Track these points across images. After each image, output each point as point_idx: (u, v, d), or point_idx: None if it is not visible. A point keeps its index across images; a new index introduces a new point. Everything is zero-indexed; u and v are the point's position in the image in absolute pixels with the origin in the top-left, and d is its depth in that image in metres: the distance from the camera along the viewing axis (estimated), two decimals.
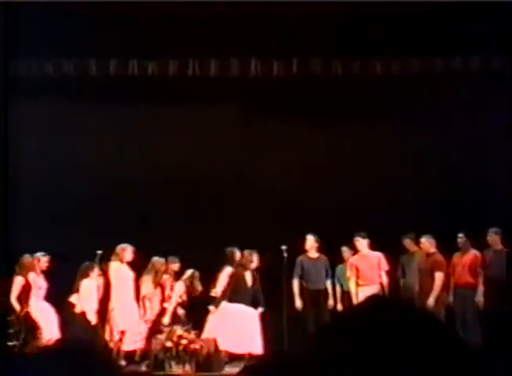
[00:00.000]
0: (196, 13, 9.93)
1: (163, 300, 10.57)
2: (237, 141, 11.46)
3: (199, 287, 10.55)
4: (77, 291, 10.19)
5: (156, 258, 10.52)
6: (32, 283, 10.13)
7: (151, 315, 10.45)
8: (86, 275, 10.23)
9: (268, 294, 10.27)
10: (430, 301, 9.89)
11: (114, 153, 11.33)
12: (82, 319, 10.08)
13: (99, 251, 10.06)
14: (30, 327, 9.88)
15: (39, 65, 10.76)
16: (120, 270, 10.27)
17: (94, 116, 11.23)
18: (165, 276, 10.57)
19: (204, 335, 9.99)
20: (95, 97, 11.09)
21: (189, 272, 10.58)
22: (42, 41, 10.26)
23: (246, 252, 10.34)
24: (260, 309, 10.24)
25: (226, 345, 10.01)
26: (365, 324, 1.25)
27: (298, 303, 10.56)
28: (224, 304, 10.21)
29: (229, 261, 10.49)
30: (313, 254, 10.69)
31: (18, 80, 10.46)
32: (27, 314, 9.97)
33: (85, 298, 10.15)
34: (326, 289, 10.65)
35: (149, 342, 10.11)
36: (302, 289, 10.60)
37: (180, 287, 10.55)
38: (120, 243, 10.23)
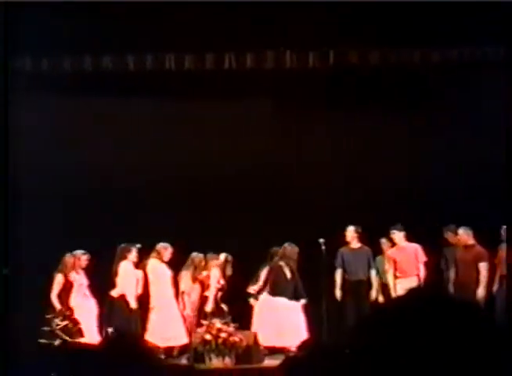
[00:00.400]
0: (231, 6, 9.91)
1: (202, 295, 10.58)
2: (273, 134, 11.44)
3: (229, 272, 10.55)
4: (116, 273, 10.25)
5: (195, 254, 10.58)
6: (73, 281, 10.17)
7: (190, 310, 10.48)
8: (124, 257, 10.29)
9: (307, 287, 10.32)
10: (480, 292, 9.82)
11: (142, 150, 11.32)
12: (122, 304, 10.15)
13: (138, 245, 10.19)
14: (72, 325, 9.93)
15: (39, 62, 10.78)
16: (158, 268, 10.34)
17: (139, 111, 11.28)
18: (204, 273, 10.58)
19: (253, 330, 10.08)
20: (128, 93, 11.14)
21: (222, 256, 10.59)
22: (42, 39, 10.24)
23: (286, 245, 10.35)
24: (302, 301, 10.26)
25: (269, 340, 10.08)
26: (406, 317, 1.24)
27: (338, 294, 10.53)
28: (266, 297, 10.26)
29: (270, 257, 10.55)
30: (354, 244, 10.64)
31: (18, 78, 10.47)
32: (69, 311, 10.01)
33: (124, 280, 10.22)
34: (367, 280, 10.56)
35: (189, 336, 10.16)
36: (344, 280, 10.57)
37: (215, 273, 10.55)
38: (158, 241, 10.30)
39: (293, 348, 9.64)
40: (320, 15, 10.11)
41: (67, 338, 9.73)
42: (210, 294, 10.52)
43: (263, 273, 10.51)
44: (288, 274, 10.32)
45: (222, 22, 10.20)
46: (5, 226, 9.60)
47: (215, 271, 10.52)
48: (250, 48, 10.74)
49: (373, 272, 10.55)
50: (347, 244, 10.64)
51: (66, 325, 9.84)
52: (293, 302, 10.25)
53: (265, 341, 10.06)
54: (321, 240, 10.25)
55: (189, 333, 10.24)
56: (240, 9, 9.95)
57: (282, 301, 10.24)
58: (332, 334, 9.73)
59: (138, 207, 11.08)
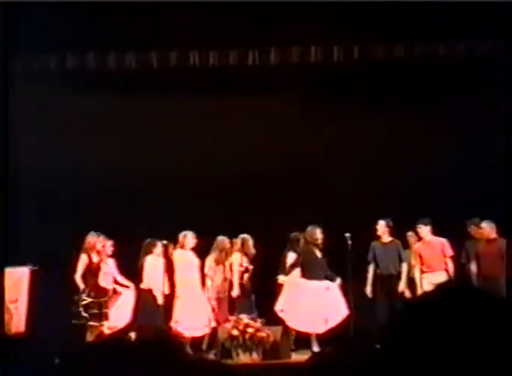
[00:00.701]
0: (255, 2, 9.90)
1: (226, 279, 10.57)
2: (300, 128, 11.43)
3: (252, 251, 10.51)
4: (142, 267, 10.29)
5: (220, 237, 10.58)
6: (101, 266, 10.17)
7: (215, 293, 10.46)
8: (149, 251, 10.33)
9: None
10: (503, 286, 9.71)
11: (166, 143, 11.40)
12: (148, 297, 10.19)
13: (164, 241, 10.24)
14: (99, 307, 10.02)
15: (40, 62, 10.84)
16: (183, 257, 10.37)
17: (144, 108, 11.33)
18: (231, 259, 10.57)
19: (278, 307, 10.07)
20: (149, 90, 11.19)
21: (239, 239, 10.56)
22: (42, 39, 10.30)
23: (309, 228, 10.34)
24: (338, 281, 10.25)
25: (304, 325, 10.11)
26: (438, 312, 1.23)
27: (369, 290, 10.50)
28: (299, 281, 10.25)
29: (293, 246, 10.51)
30: (385, 238, 10.59)
31: (18, 77, 10.61)
32: (97, 291, 10.06)
33: (150, 274, 10.24)
34: (398, 274, 10.48)
35: (216, 331, 10.18)
36: (375, 275, 10.54)
37: (237, 257, 10.54)
38: (182, 231, 10.37)
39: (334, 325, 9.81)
40: (344, 9, 10.09)
41: (90, 319, 9.86)
42: (234, 278, 10.49)
43: (290, 258, 10.47)
44: (319, 255, 10.34)
45: (246, 18, 10.21)
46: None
47: (236, 256, 10.51)
48: (275, 43, 10.72)
49: (404, 266, 10.47)
50: (378, 238, 10.59)
51: (90, 303, 9.90)
52: (328, 282, 10.25)
53: (298, 326, 10.11)
54: (347, 235, 10.19)
55: (216, 320, 10.27)
56: (264, 4, 9.93)
57: (316, 283, 10.24)
58: (361, 328, 9.68)
59: (160, 198, 11.18)
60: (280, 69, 10.83)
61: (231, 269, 10.54)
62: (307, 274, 10.29)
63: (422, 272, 10.33)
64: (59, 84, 10.99)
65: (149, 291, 10.25)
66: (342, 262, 10.10)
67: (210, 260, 10.59)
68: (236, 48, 10.80)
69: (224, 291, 10.53)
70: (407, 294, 10.40)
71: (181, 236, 10.41)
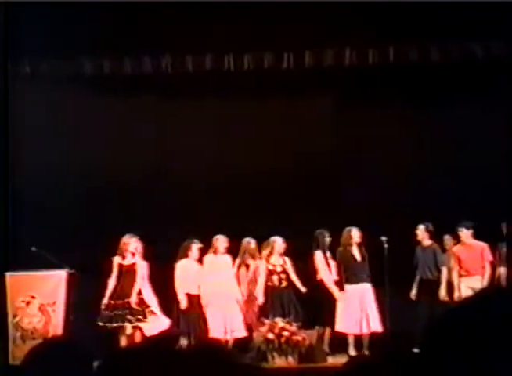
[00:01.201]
0: (291, 4, 9.89)
1: (257, 282, 10.52)
2: (333, 130, 11.40)
3: (283, 253, 10.44)
4: (175, 269, 10.31)
5: (246, 239, 10.56)
6: (136, 267, 10.19)
7: (247, 297, 10.46)
8: (185, 255, 10.34)
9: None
10: None
11: (197, 146, 11.42)
12: (184, 302, 10.17)
13: (199, 244, 10.27)
14: (135, 311, 10.04)
15: (40, 63, 10.83)
16: (214, 261, 10.37)
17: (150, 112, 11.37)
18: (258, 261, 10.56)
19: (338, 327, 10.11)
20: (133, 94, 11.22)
21: (270, 242, 10.46)
22: (43, 40, 10.30)
23: (345, 230, 10.33)
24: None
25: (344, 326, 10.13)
26: (480, 318, 1.21)
27: (414, 293, 10.42)
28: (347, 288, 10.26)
29: (319, 243, 10.49)
30: (425, 242, 10.50)
31: (18, 78, 10.61)
32: (131, 294, 10.06)
33: (182, 278, 10.25)
34: (437, 278, 10.40)
35: (251, 335, 10.17)
36: (420, 279, 10.45)
37: (268, 259, 10.50)
38: (214, 234, 10.38)
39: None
40: (381, 12, 10.03)
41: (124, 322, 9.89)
42: (259, 286, 10.44)
43: (319, 257, 10.44)
44: (358, 258, 10.32)
45: (282, 21, 10.19)
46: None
47: (267, 257, 10.47)
48: (309, 46, 10.70)
49: (444, 270, 10.37)
50: (418, 242, 10.52)
51: (125, 306, 9.94)
52: (368, 285, 10.24)
53: (340, 328, 10.13)
54: (383, 238, 10.18)
55: (250, 324, 10.28)
56: (298, 5, 9.92)
57: (359, 287, 10.25)
58: (399, 332, 9.66)
59: (193, 201, 11.20)
60: (314, 72, 10.81)
61: (262, 272, 10.51)
62: (349, 278, 10.27)
63: (460, 275, 10.28)
64: (60, 85, 11.03)
65: (187, 295, 10.25)
66: (378, 266, 10.09)
67: (240, 263, 10.57)
68: (270, 51, 10.78)
69: (257, 295, 10.48)
70: (445, 298, 10.29)
71: (213, 239, 10.41)
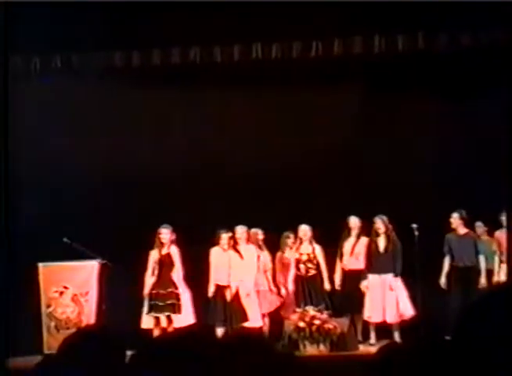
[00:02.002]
0: None
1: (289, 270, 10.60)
2: (363, 120, 11.33)
3: (314, 242, 10.51)
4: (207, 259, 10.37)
5: (286, 233, 10.62)
6: (173, 258, 10.21)
7: (279, 285, 10.51)
8: (216, 244, 10.38)
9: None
10: None
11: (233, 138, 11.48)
12: (215, 292, 10.21)
13: (230, 234, 10.30)
14: (169, 300, 10.07)
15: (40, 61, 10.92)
16: (246, 250, 10.40)
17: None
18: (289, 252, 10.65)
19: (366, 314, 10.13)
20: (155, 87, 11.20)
21: (300, 231, 10.51)
22: (42, 38, 10.34)
23: (378, 219, 10.31)
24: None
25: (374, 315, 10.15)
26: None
27: (443, 281, 10.36)
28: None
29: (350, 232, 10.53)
30: (461, 230, 10.43)
31: (18, 76, 10.68)
32: (166, 284, 10.10)
33: (214, 267, 10.28)
34: (475, 266, 10.31)
35: (282, 323, 10.19)
36: (451, 267, 10.39)
37: (301, 248, 10.59)
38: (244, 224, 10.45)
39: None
40: None
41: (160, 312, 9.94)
42: (290, 276, 10.53)
43: (346, 247, 10.48)
44: (381, 248, 10.31)
45: (309, 9, 10.11)
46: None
47: (300, 246, 10.54)
48: (337, 34, 10.66)
49: (482, 258, 10.30)
50: (452, 230, 10.45)
51: (160, 296, 9.98)
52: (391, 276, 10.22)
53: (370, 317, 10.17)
54: (414, 226, 10.14)
55: (282, 313, 10.34)
56: None
57: (382, 277, 10.23)
58: (431, 320, 9.59)
59: (233, 194, 11.22)
60: (343, 60, 10.79)
61: (294, 262, 10.58)
62: (372, 268, 10.27)
63: (500, 262, 10.19)
64: (60, 82, 11.09)
65: (216, 285, 10.28)
66: (409, 254, 10.05)
67: (264, 253, 10.63)
68: (298, 40, 10.76)
69: (289, 284, 10.55)
70: (485, 285, 10.19)
71: (242, 229, 10.46)
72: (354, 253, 10.45)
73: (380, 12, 10.19)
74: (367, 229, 10.47)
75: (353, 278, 10.41)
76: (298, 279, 10.50)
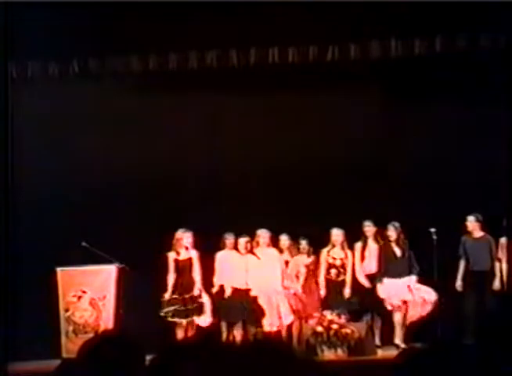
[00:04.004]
0: None
1: (310, 275, 10.55)
2: (379, 122, 11.29)
3: (338, 246, 10.45)
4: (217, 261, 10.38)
5: (303, 241, 10.57)
6: (191, 262, 10.24)
7: (296, 290, 10.43)
8: (223, 245, 10.40)
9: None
10: None
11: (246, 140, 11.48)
12: (231, 295, 10.24)
13: (247, 237, 10.33)
14: (188, 304, 10.11)
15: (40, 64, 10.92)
16: (263, 254, 10.37)
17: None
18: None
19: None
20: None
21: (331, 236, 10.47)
22: (43, 41, 10.36)
23: (390, 226, 10.27)
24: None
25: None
26: None
27: (459, 284, 10.27)
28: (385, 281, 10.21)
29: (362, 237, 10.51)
30: (477, 233, 10.34)
31: (19, 79, 10.74)
32: (185, 288, 10.13)
33: (227, 270, 10.28)
34: (490, 270, 10.22)
35: (300, 328, 10.21)
36: (466, 270, 10.31)
37: (321, 253, 10.54)
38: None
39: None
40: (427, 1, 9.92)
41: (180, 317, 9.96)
42: (320, 280, 10.49)
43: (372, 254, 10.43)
44: (398, 254, 10.26)
45: (325, 14, 10.14)
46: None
47: (298, 258, 10.51)
48: (353, 38, 10.63)
49: (497, 263, 10.20)
50: (467, 233, 10.38)
51: (179, 300, 10.00)
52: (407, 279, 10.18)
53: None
54: (432, 230, 10.10)
55: (299, 317, 10.27)
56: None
57: (400, 281, 10.20)
58: (449, 324, 9.60)
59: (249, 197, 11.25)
60: (360, 64, 10.74)
61: (316, 266, 10.54)
62: (388, 273, 10.23)
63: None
64: (61, 85, 11.11)
65: (233, 288, 10.30)
66: (428, 257, 10.03)
67: (296, 257, 10.58)
68: (315, 43, 10.73)
69: (308, 288, 10.50)
70: (499, 289, 10.12)
71: (260, 233, 10.42)
72: (370, 258, 10.43)
73: (398, 15, 10.21)
74: (381, 235, 10.45)
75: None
76: (327, 283, 10.46)
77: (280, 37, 10.56)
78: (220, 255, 10.41)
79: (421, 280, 10.20)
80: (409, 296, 10.10)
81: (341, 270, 10.40)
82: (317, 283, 10.48)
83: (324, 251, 10.47)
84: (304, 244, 10.56)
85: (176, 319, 10.02)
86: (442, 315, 9.86)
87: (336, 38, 10.62)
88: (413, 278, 10.17)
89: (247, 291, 10.29)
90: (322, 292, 10.41)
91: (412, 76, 10.92)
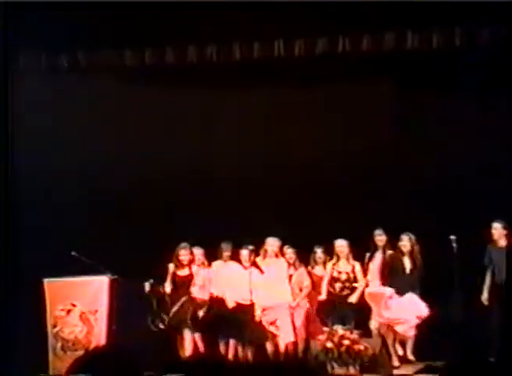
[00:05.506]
0: None
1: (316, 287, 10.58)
2: (395, 120, 11.29)
3: (345, 258, 10.44)
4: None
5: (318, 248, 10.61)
6: (194, 276, 10.34)
7: (304, 303, 10.50)
8: (219, 256, 10.44)
9: (439, 289, 10.10)
10: None
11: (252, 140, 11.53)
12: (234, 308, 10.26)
13: (250, 247, 10.39)
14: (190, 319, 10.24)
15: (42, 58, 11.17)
16: (268, 265, 10.46)
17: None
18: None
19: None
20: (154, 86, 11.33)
21: (335, 247, 10.42)
22: (43, 36, 10.58)
23: (404, 236, 10.21)
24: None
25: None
26: None
27: (485, 296, 10.17)
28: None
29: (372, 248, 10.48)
30: (502, 242, 10.25)
31: (19, 75, 10.93)
32: (187, 303, 10.25)
33: (230, 283, 10.33)
34: None
35: (308, 343, 10.19)
36: (492, 282, 10.22)
37: (329, 265, 10.55)
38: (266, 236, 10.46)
39: None
40: None
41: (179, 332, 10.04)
42: (322, 293, 10.49)
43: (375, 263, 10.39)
44: (407, 267, 10.22)
45: (336, 4, 10.13)
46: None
47: (328, 263, 10.51)
48: (366, 29, 10.63)
49: None
50: (493, 241, 10.27)
51: (179, 314, 10.11)
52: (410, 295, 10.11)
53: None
54: (452, 237, 10.01)
55: (307, 332, 10.34)
56: None
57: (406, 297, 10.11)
58: (473, 340, 9.51)
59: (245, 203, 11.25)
60: (373, 56, 10.73)
61: (322, 278, 10.54)
62: (395, 288, 10.15)
63: None
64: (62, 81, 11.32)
65: (237, 302, 10.33)
66: (447, 268, 9.93)
67: (300, 269, 10.62)
68: (324, 36, 10.77)
69: (316, 301, 10.53)
70: None
71: (269, 241, 10.48)
72: (379, 270, 10.38)
73: (414, 6, 10.16)
74: (393, 245, 10.39)
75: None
76: (330, 297, 10.44)
77: (286, 29, 10.62)
78: (217, 266, 10.47)
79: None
80: (424, 311, 10.00)
81: (347, 285, 10.36)
82: (321, 297, 10.48)
83: (329, 264, 10.44)
84: (319, 252, 10.58)
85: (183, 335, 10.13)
86: (466, 331, 9.78)
87: (346, 30, 10.67)
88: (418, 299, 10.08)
89: (251, 305, 10.30)
90: (326, 306, 10.40)
91: (429, 70, 10.88)
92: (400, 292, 10.08)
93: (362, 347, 9.67)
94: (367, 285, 10.34)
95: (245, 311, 10.23)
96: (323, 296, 10.39)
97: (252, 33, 10.72)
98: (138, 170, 11.25)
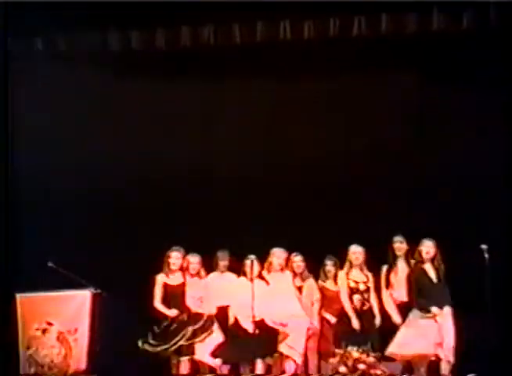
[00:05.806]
0: None
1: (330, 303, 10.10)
2: (413, 115, 10.94)
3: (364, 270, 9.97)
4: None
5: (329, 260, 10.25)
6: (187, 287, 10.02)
7: (314, 320, 10.02)
8: (215, 266, 10.20)
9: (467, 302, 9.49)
10: None
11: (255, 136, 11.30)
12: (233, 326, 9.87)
13: (252, 256, 9.91)
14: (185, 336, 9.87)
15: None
16: (273, 278, 10.04)
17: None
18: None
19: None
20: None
21: (349, 255, 9.95)
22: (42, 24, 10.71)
23: (427, 241, 9.68)
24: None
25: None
26: None
27: None
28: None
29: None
30: None
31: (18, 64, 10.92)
32: (182, 318, 9.85)
33: (234, 298, 9.93)
34: None
35: (319, 366, 9.87)
36: None
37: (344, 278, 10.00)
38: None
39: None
40: None
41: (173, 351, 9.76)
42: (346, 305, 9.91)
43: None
44: (434, 277, 9.67)
45: None
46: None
47: (342, 275, 9.99)
48: (387, 10, 10.33)
49: None
50: None
51: (173, 331, 9.78)
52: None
53: None
54: (484, 247, 9.45)
55: (318, 353, 9.98)
56: None
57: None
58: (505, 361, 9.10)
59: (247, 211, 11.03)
60: (394, 39, 10.44)
61: (336, 293, 10.01)
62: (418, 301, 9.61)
63: None
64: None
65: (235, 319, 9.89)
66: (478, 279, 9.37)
67: (309, 281, 10.18)
68: (335, 17, 10.52)
69: (329, 319, 10.04)
70: None
71: (274, 252, 10.06)
72: (401, 282, 9.87)
73: None
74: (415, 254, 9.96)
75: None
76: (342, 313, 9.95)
77: (293, 8, 10.30)
78: (212, 278, 10.20)
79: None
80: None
81: (366, 296, 9.89)
82: (338, 314, 9.96)
83: (342, 274, 9.97)
84: (329, 265, 10.15)
85: (178, 355, 9.80)
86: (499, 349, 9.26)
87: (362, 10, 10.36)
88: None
89: (260, 322, 9.78)
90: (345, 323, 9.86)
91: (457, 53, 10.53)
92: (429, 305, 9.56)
93: (379, 372, 9.16)
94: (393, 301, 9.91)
95: (251, 328, 9.68)
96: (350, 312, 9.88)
97: (254, 13, 10.52)
98: (137, 168, 11.25)
